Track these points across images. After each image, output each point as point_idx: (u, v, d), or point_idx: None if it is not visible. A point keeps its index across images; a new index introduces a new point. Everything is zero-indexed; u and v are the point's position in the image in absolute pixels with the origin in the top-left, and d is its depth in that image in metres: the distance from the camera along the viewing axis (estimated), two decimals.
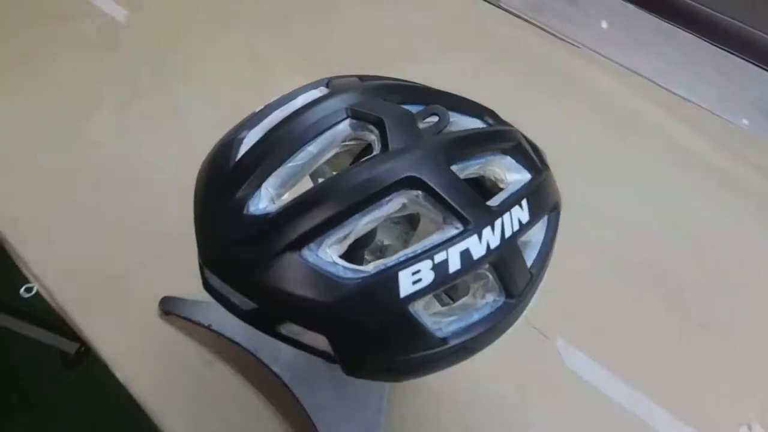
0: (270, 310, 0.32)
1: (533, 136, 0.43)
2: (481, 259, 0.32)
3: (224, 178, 0.33)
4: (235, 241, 0.32)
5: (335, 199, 0.31)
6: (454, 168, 0.34)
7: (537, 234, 0.40)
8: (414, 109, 0.36)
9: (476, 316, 0.35)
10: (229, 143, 0.35)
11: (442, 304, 0.37)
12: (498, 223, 0.33)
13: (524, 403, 0.63)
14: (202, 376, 0.63)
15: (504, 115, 0.42)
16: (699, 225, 0.76)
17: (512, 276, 0.35)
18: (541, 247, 0.39)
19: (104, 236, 0.71)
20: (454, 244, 0.31)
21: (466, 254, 0.32)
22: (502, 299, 0.36)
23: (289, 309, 0.31)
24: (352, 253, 0.43)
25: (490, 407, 0.63)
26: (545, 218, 0.40)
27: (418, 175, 0.31)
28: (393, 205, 0.32)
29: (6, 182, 0.75)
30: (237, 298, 0.33)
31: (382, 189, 0.31)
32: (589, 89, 0.88)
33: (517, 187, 0.38)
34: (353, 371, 0.33)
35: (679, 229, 0.75)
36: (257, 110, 0.37)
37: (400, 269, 0.30)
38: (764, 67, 0.88)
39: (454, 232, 0.32)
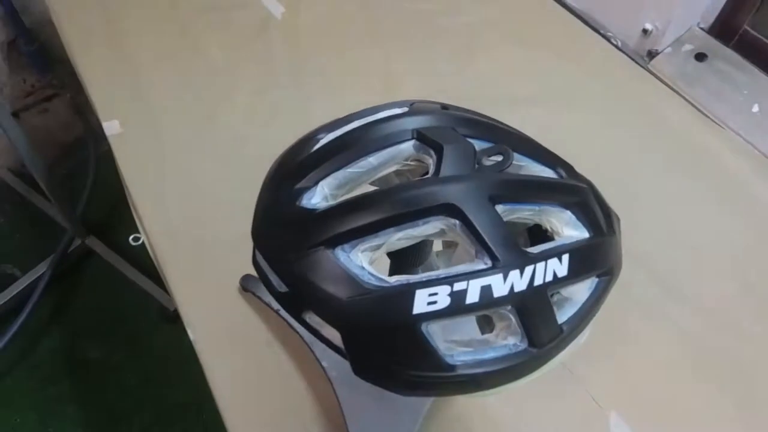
0: (298, 296, 0.35)
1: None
2: (502, 299, 0.33)
3: (290, 170, 0.37)
4: (281, 226, 0.35)
5: (374, 209, 0.33)
6: (500, 207, 0.35)
7: (580, 293, 0.39)
8: (481, 144, 0.38)
9: (491, 354, 0.35)
10: (305, 140, 0.39)
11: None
12: (529, 269, 0.34)
13: None
14: (260, 353, 0.68)
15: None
16: None
17: (536, 325, 0.35)
18: (581, 307, 0.39)
19: (209, 209, 0.80)
20: (477, 277, 0.32)
21: (486, 290, 0.32)
22: (523, 345, 0.36)
23: (312, 298, 0.34)
24: (405, 269, 0.45)
25: None
26: (593, 280, 0.40)
27: (458, 205, 0.33)
28: (429, 227, 0.33)
29: (141, 139, 0.86)
30: (274, 279, 0.36)
31: (419, 210, 0.33)
32: (722, 173, 0.82)
33: (568, 242, 0.38)
34: (360, 372, 0.35)
35: None
36: (341, 117, 0.41)
37: (419, 288, 0.32)
38: None
39: (481, 266, 0.33)
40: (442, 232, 0.34)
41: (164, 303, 1.38)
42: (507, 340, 0.36)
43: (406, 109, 0.40)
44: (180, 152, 0.85)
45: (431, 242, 0.45)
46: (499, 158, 0.37)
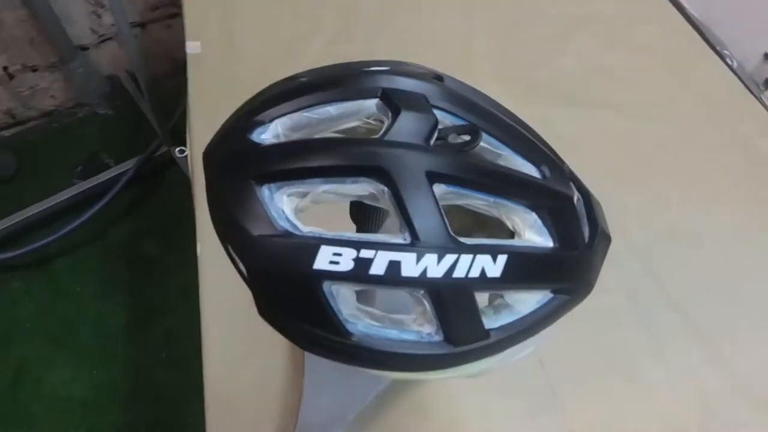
0: (218, 221, 0.35)
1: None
2: (411, 280, 0.31)
3: (257, 103, 0.37)
4: (226, 151, 0.35)
5: (306, 156, 0.32)
6: (442, 187, 0.32)
7: (524, 303, 0.36)
8: (454, 121, 0.35)
9: (398, 335, 0.34)
10: (288, 78, 0.38)
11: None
12: (450, 257, 0.31)
13: None
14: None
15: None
16: None
17: (454, 321, 0.33)
18: (520, 318, 0.36)
19: None
20: (387, 249, 0.31)
21: (394, 265, 0.31)
22: (438, 338, 0.34)
23: (229, 228, 0.33)
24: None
25: None
26: (546, 295, 0.37)
27: (390, 172, 0.31)
28: (359, 188, 0.32)
29: (216, 62, 0.88)
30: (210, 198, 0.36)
31: (349, 166, 0.31)
32: None
33: (517, 244, 0.35)
34: (260, 312, 0.35)
35: None
36: (334, 64, 0.39)
37: (325, 243, 0.31)
38: None
39: (397, 240, 0.31)
40: (372, 197, 0.32)
41: None
42: (422, 327, 0.34)
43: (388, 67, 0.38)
44: (249, 84, 0.87)
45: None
46: (466, 138, 0.35)
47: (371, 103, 0.35)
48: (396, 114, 0.33)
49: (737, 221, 0.73)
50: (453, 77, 0.40)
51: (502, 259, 0.33)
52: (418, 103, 0.34)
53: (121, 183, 1.41)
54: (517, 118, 0.41)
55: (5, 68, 1.40)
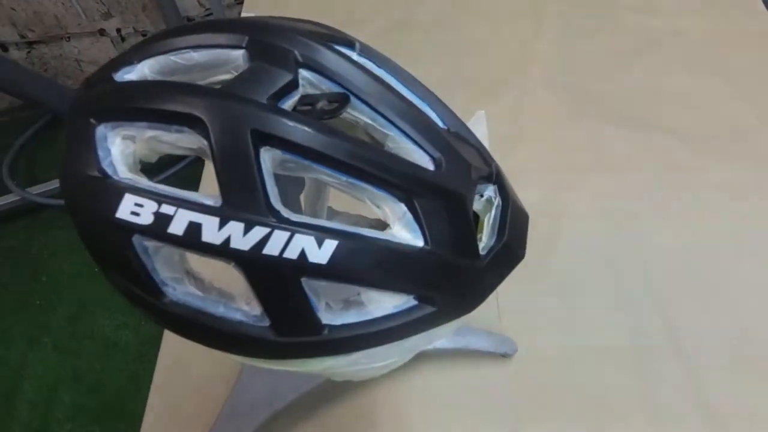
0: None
1: None
2: (212, 247, 0.27)
3: (134, 47, 0.35)
4: (90, 87, 0.33)
5: (139, 97, 0.30)
6: (276, 152, 0.28)
7: (378, 306, 0.31)
8: (332, 88, 0.31)
9: (216, 309, 0.30)
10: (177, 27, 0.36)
11: None
12: (260, 230, 0.27)
13: None
14: None
15: None
16: None
17: (276, 306, 0.29)
18: (370, 321, 0.31)
19: None
20: (189, 209, 0.27)
21: (194, 228, 0.27)
22: (264, 323, 0.30)
23: (61, 164, 0.31)
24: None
25: None
26: (407, 300, 0.31)
27: (207, 123, 0.28)
28: (183, 138, 0.29)
29: None
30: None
31: (169, 111, 0.28)
32: None
33: (364, 233, 0.30)
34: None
35: None
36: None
37: (131, 192, 0.28)
38: None
39: (206, 201, 0.28)
40: (201, 152, 0.29)
41: None
42: (247, 306, 0.31)
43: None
44: None
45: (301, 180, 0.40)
46: (334, 106, 0.30)
47: (238, 54, 0.31)
48: (253, 66, 0.30)
49: None
50: (372, 47, 0.36)
51: (330, 244, 0.28)
52: (280, 58, 0.30)
53: None
54: (439, 103, 0.36)
55: (118, 30, 1.53)
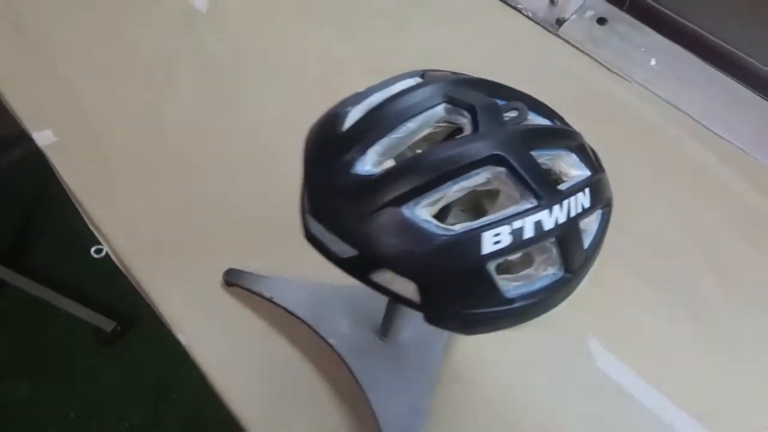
0: (369, 257, 0.37)
1: None
2: (550, 231, 0.37)
3: (334, 143, 0.39)
4: (342, 194, 0.37)
5: (433, 167, 0.36)
6: (532, 153, 0.39)
7: (592, 224, 0.45)
8: (498, 102, 0.42)
9: (538, 285, 0.40)
10: (335, 114, 0.41)
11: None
12: (565, 203, 0.38)
13: (555, 394, 0.68)
14: (260, 345, 0.69)
15: None
16: (726, 251, 0.81)
17: (572, 253, 0.40)
18: (594, 236, 0.44)
19: (174, 207, 0.78)
20: (530, 215, 0.37)
21: (538, 225, 0.37)
22: (561, 273, 0.41)
23: (387, 256, 0.36)
24: None
25: (523, 395, 0.67)
26: (599, 212, 0.45)
27: (504, 154, 0.37)
28: (479, 178, 0.37)
29: (80, 145, 0.82)
30: (337, 246, 0.38)
31: (472, 162, 0.36)
32: (634, 119, 0.93)
33: (580, 179, 0.43)
34: (433, 318, 0.38)
35: (709, 255, 0.79)
36: (360, 91, 0.43)
37: (484, 230, 0.36)
38: None
39: (529, 205, 0.37)
40: (487, 182, 0.38)
41: (99, 325, 1.32)
42: (547, 270, 0.41)
43: (418, 78, 0.44)
44: (124, 153, 0.82)
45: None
46: (515, 113, 0.42)
47: (439, 110, 0.40)
48: (472, 109, 0.39)
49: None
50: (453, 71, 0.47)
51: (587, 191, 0.41)
52: (477, 97, 0.40)
53: None
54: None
55: None
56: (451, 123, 0.40)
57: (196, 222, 0.77)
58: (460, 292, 0.37)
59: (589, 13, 1.04)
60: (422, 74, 0.44)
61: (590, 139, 0.88)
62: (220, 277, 0.72)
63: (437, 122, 0.40)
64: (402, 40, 1.00)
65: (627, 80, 0.98)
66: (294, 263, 0.72)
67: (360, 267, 0.38)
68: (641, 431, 0.67)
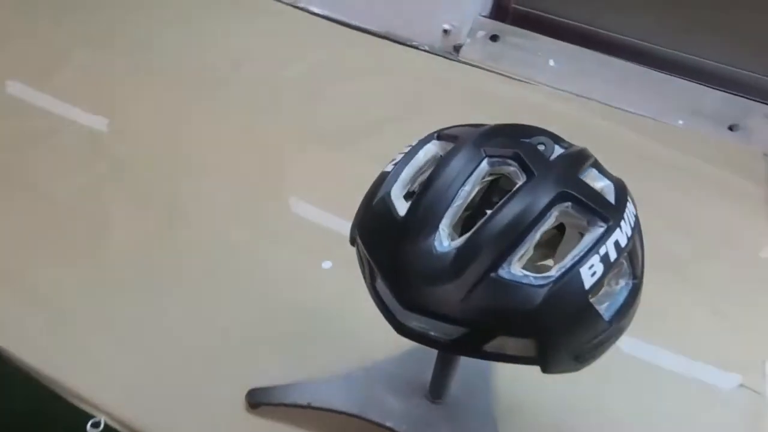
0: (481, 331, 0.36)
1: None
2: (625, 246, 0.38)
3: (399, 230, 0.38)
4: (435, 278, 0.36)
5: (514, 225, 0.36)
6: (582, 179, 0.40)
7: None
8: (532, 141, 0.43)
9: (620, 299, 0.40)
10: (381, 201, 0.40)
11: None
12: (625, 216, 0.40)
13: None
14: None
15: None
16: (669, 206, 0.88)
17: (637, 260, 0.42)
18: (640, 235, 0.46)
19: (155, 350, 0.72)
20: (608, 238, 0.37)
21: (617, 245, 0.38)
22: (631, 281, 0.42)
23: (500, 323, 0.35)
24: None
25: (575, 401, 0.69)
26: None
27: (566, 190, 0.37)
28: (552, 219, 0.38)
29: (35, 318, 0.74)
30: (441, 330, 0.36)
31: (545, 207, 0.37)
32: (551, 115, 0.99)
33: (610, 189, 0.44)
34: (550, 367, 0.37)
35: (660, 215, 0.85)
36: (387, 170, 0.42)
37: (579, 266, 0.36)
38: (687, 79, 1.04)
39: (600, 230, 0.38)
40: (555, 219, 0.38)
41: None
42: (620, 283, 0.41)
43: (436, 141, 0.44)
44: (78, 308, 0.75)
45: None
46: (543, 147, 0.43)
47: (484, 165, 0.40)
48: (517, 157, 0.39)
49: None
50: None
51: (630, 198, 0.42)
52: (511, 142, 0.40)
53: None
54: None
55: None
56: (497, 174, 0.41)
57: (191, 359, 0.71)
58: (573, 331, 0.37)
59: (481, 33, 1.10)
60: (438, 135, 0.44)
61: None
62: (241, 401, 0.66)
63: (483, 178, 0.40)
64: (317, 103, 1.00)
65: (534, 84, 1.05)
66: (313, 361, 0.70)
67: (471, 343, 0.37)
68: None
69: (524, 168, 0.39)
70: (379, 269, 0.39)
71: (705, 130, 0.98)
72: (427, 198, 0.38)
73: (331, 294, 0.76)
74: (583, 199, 0.38)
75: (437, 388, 0.61)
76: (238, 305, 0.75)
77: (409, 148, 0.44)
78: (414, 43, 1.09)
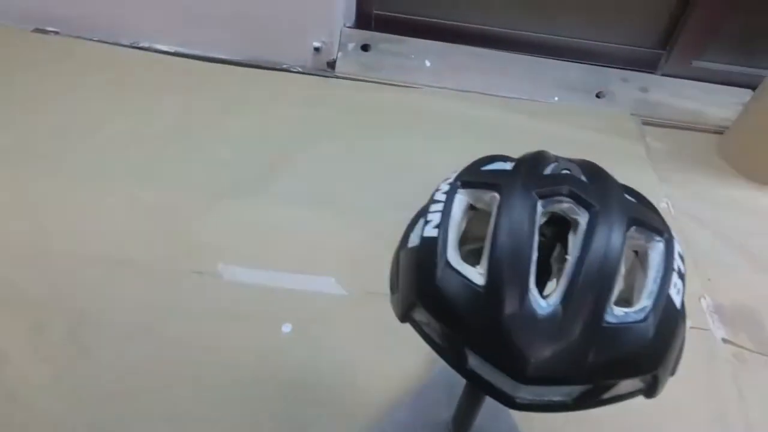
0: (604, 382, 0.34)
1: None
2: (681, 254, 0.39)
3: (488, 299, 0.34)
4: (548, 343, 0.33)
5: (605, 265, 0.34)
6: (629, 198, 0.40)
7: None
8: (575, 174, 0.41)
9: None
10: (447, 271, 0.36)
11: None
12: (669, 225, 0.41)
13: None
14: None
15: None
16: None
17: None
18: None
19: None
20: (674, 251, 0.38)
21: (680, 255, 0.38)
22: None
23: (624, 370, 0.34)
24: None
25: None
26: None
27: (632, 215, 0.37)
28: (628, 250, 0.37)
29: None
30: (561, 393, 0.34)
31: (623, 240, 0.36)
32: (438, 115, 1.01)
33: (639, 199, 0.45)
34: (656, 393, 0.37)
35: None
36: (431, 234, 0.38)
37: (667, 288, 0.36)
38: (554, 58, 1.11)
39: (661, 245, 0.38)
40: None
41: None
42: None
43: (462, 190, 0.40)
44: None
45: None
46: (567, 171, 0.42)
47: (539, 208, 0.37)
48: (572, 194, 0.37)
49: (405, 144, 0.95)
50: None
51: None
52: (548, 180, 0.39)
53: None
54: None
55: None
56: (552, 212, 0.39)
57: None
58: (678, 352, 0.37)
59: (351, 45, 1.07)
60: (462, 183, 0.41)
61: (422, 150, 0.94)
62: None
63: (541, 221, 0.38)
64: (202, 158, 0.90)
65: (414, 87, 1.05)
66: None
67: (593, 397, 0.35)
68: None
69: (580, 202, 0.37)
70: (478, 348, 0.35)
71: (578, 102, 1.06)
72: (504, 259, 0.35)
73: (301, 358, 0.69)
74: (644, 219, 0.38)
75: (463, 425, 0.58)
76: (208, 403, 0.65)
77: (436, 204, 0.40)
78: (285, 66, 1.03)
